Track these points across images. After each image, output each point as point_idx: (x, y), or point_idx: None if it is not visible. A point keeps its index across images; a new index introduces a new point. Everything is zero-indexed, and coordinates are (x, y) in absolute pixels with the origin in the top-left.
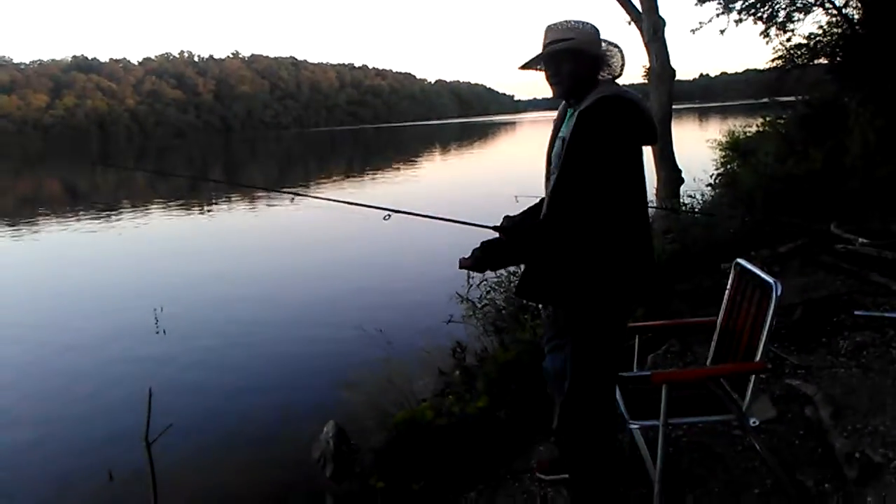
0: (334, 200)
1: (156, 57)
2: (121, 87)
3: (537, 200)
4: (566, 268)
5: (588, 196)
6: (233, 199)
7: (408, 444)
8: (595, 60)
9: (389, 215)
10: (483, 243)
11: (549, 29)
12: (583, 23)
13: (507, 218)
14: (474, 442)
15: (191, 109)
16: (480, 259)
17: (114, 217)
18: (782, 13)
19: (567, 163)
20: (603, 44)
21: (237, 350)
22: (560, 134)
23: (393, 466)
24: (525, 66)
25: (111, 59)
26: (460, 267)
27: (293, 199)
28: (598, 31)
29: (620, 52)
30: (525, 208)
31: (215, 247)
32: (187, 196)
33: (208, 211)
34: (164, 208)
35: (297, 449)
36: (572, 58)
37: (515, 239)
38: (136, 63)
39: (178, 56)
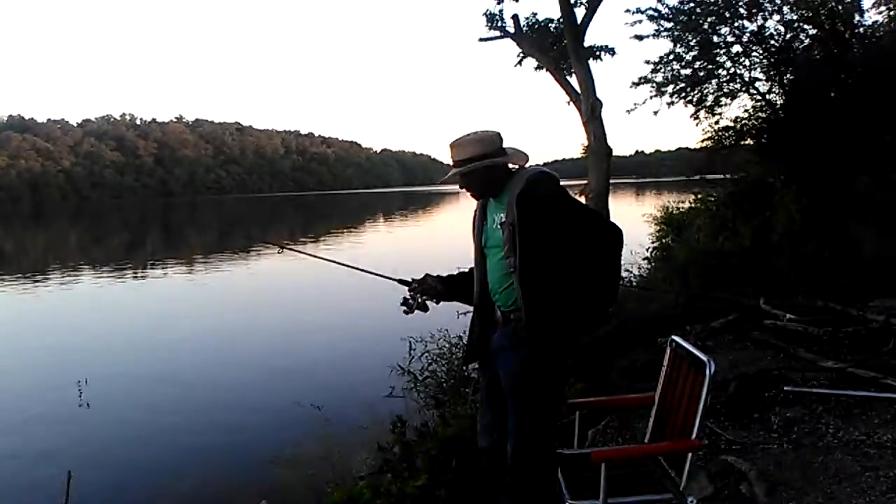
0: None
1: (96, 119)
2: (57, 147)
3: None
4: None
5: (557, 265)
6: (168, 264)
7: None
8: (503, 166)
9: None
10: None
11: (453, 147)
12: (483, 133)
13: (429, 276)
14: None
15: (130, 172)
16: None
17: (39, 282)
18: (710, 97)
19: (527, 243)
20: (505, 147)
21: (165, 425)
22: (494, 222)
23: None
24: (443, 182)
25: (49, 119)
26: None
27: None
28: (498, 135)
29: (521, 153)
30: (454, 272)
31: (143, 315)
32: (119, 259)
33: (137, 277)
34: (93, 273)
35: None
36: (483, 173)
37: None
38: (76, 124)
39: (119, 118)
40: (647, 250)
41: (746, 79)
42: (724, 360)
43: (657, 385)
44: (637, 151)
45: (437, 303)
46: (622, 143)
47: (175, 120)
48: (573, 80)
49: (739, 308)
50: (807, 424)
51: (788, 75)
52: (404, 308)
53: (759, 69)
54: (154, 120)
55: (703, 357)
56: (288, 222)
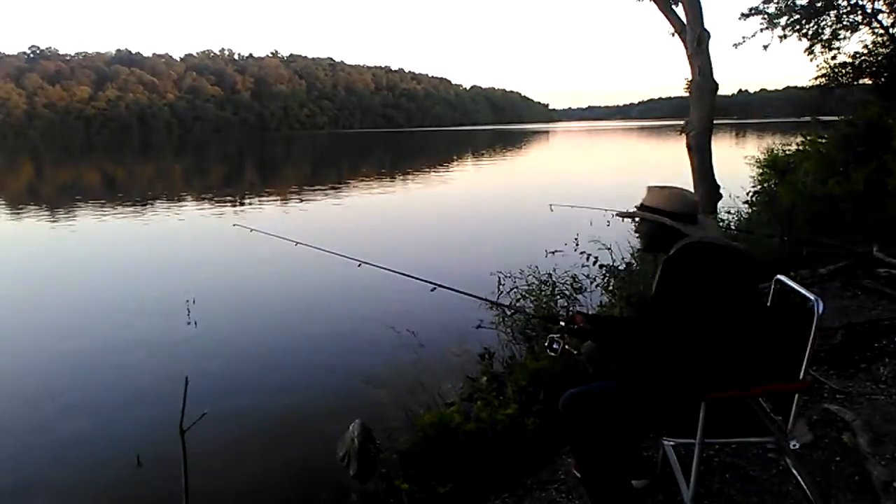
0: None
1: (197, 54)
2: (162, 81)
3: None
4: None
5: (669, 323)
6: (264, 196)
7: (434, 447)
8: (671, 228)
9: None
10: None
11: (649, 190)
12: (674, 191)
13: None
14: (501, 449)
15: (229, 106)
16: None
17: (149, 209)
18: (828, 31)
19: (655, 301)
20: (697, 217)
21: (268, 344)
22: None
23: (419, 468)
24: (621, 215)
25: (154, 53)
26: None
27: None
28: (692, 203)
29: (702, 229)
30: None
31: (249, 241)
32: (222, 195)
33: (233, 210)
34: (200, 206)
35: (322, 445)
36: (651, 225)
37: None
38: (178, 59)
39: (218, 53)
40: (748, 194)
41: (868, 10)
42: (831, 308)
43: None
44: (740, 90)
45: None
46: (724, 81)
47: (270, 55)
48: (679, 10)
49: (850, 255)
50: None
51: None
52: (551, 353)
53: (882, 0)
54: (251, 55)
55: (811, 296)
56: (376, 160)
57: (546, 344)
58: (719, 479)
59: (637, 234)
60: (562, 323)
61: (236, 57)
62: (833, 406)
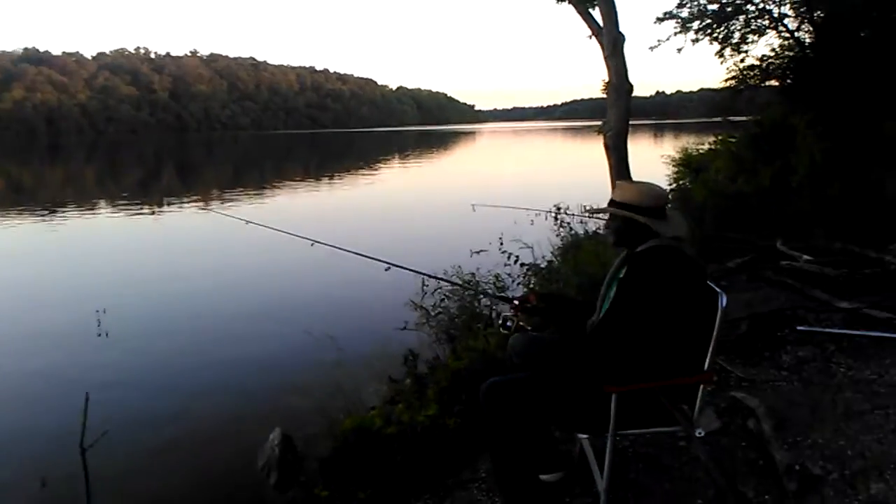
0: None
1: (110, 52)
2: (72, 81)
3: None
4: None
5: (629, 329)
6: (184, 202)
7: (355, 453)
8: (643, 225)
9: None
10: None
11: (618, 186)
12: (644, 186)
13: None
14: (422, 451)
15: (145, 106)
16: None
17: (58, 215)
18: (737, 34)
19: (618, 300)
20: (667, 211)
21: (180, 353)
22: (619, 274)
23: (339, 475)
24: (591, 212)
25: (64, 52)
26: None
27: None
28: (661, 196)
29: (673, 226)
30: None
31: (162, 247)
32: (137, 197)
33: (150, 213)
34: (113, 208)
35: (241, 456)
36: (621, 221)
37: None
38: (90, 57)
39: (133, 52)
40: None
41: (775, 15)
42: (738, 299)
43: None
44: (658, 92)
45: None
46: (643, 83)
47: (189, 54)
48: (596, 13)
49: (756, 249)
50: (818, 363)
51: (819, 12)
52: (504, 330)
53: (788, 5)
54: (168, 54)
55: (716, 289)
56: (302, 161)
57: (500, 322)
58: (633, 469)
59: (607, 230)
60: (516, 301)
61: (153, 56)
62: (739, 393)
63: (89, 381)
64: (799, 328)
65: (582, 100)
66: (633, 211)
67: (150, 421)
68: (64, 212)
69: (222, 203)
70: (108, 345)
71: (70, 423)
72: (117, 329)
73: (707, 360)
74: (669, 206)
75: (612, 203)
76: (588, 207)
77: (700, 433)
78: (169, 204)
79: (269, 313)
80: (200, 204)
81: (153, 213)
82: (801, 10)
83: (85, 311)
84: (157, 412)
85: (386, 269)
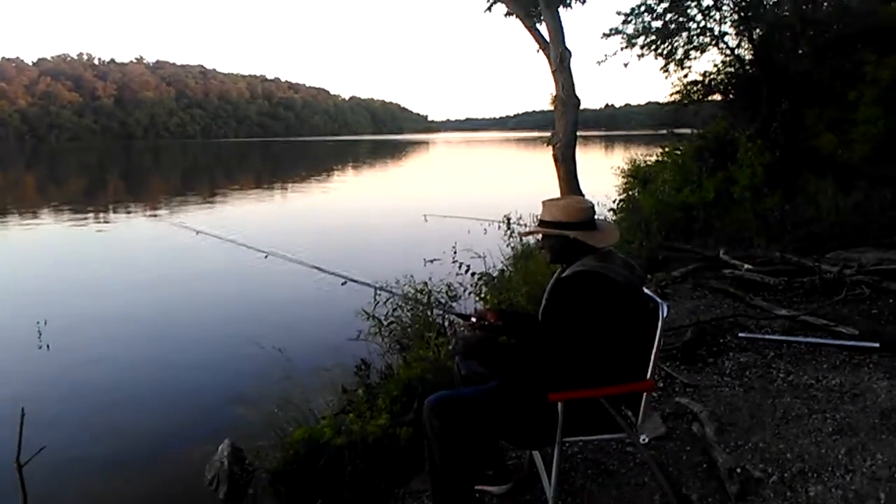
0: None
1: (52, 58)
2: (12, 86)
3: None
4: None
5: (556, 344)
6: (130, 210)
7: (305, 464)
8: (574, 240)
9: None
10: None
11: (545, 205)
12: (569, 201)
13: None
14: (372, 461)
15: (88, 113)
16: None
17: None
18: (680, 51)
19: (545, 317)
20: (596, 221)
21: (124, 365)
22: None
23: (289, 486)
24: (523, 234)
25: (3, 57)
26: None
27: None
28: (588, 209)
29: (603, 235)
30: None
31: (102, 259)
32: (79, 206)
33: (96, 222)
34: (53, 217)
35: (188, 469)
36: (555, 239)
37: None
38: (30, 63)
39: (76, 58)
40: (614, 202)
41: (716, 33)
42: (683, 307)
43: None
44: (607, 105)
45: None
46: (593, 96)
47: (135, 61)
48: (543, 29)
49: (700, 258)
50: (759, 369)
51: (758, 31)
52: (456, 348)
53: (729, 23)
54: (113, 60)
55: (657, 299)
56: (252, 170)
57: (450, 346)
58: (581, 476)
59: (541, 250)
60: (473, 319)
61: (96, 62)
62: (683, 399)
63: (27, 395)
64: (741, 335)
65: (534, 111)
66: (563, 228)
67: (93, 435)
68: (3, 221)
69: (171, 213)
70: (49, 357)
71: (5, 437)
72: (59, 341)
73: (650, 368)
74: (596, 215)
75: (541, 223)
76: (522, 231)
77: (644, 439)
78: (115, 212)
79: (218, 324)
80: (149, 213)
81: (99, 222)
82: (741, 27)
83: (25, 324)
84: (100, 426)
85: (342, 284)
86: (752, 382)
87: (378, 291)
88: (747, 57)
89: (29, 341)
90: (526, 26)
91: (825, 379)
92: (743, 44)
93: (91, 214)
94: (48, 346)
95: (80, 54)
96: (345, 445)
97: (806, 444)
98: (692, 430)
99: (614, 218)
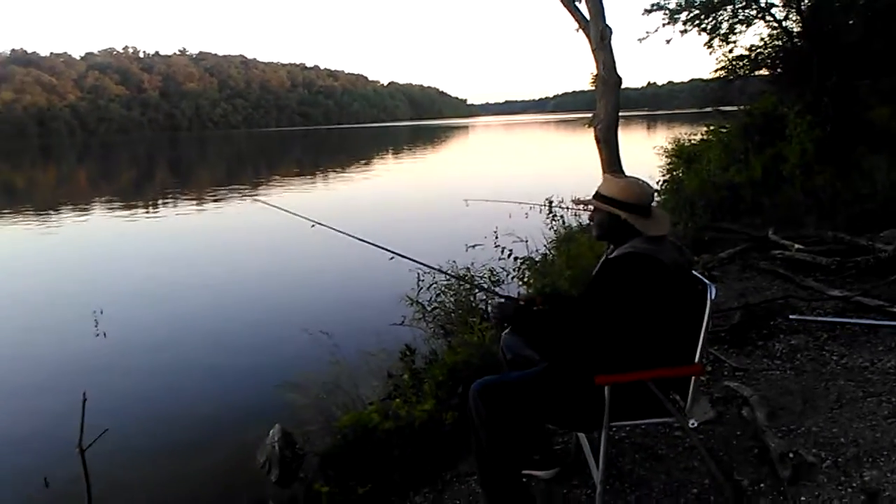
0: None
1: (98, 52)
2: (61, 81)
3: None
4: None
5: (595, 320)
6: (179, 202)
7: (353, 448)
8: (624, 221)
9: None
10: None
11: (605, 179)
12: (631, 181)
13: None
14: (420, 445)
15: (135, 106)
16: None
17: (52, 217)
18: (725, 25)
19: (587, 293)
20: (652, 209)
21: (179, 353)
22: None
23: (338, 470)
24: (577, 202)
25: (52, 53)
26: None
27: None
28: (646, 194)
29: (656, 224)
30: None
31: (158, 250)
32: (131, 197)
33: (151, 214)
34: (107, 209)
35: (241, 453)
36: (605, 215)
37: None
38: (78, 58)
39: (121, 52)
40: (657, 183)
41: (763, 4)
42: (731, 289)
43: None
44: (649, 83)
45: None
46: (634, 74)
47: (178, 53)
48: (582, 6)
49: (748, 239)
50: (810, 352)
51: (806, 1)
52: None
53: None
54: (157, 53)
55: (705, 281)
56: (294, 160)
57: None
58: (630, 460)
59: (591, 222)
60: (521, 303)
61: (141, 55)
62: (733, 383)
63: (87, 382)
64: (791, 317)
65: (574, 92)
66: (617, 206)
67: (150, 420)
68: (58, 214)
69: (236, 192)
70: (106, 345)
71: (70, 422)
72: (115, 329)
73: (698, 352)
74: (654, 203)
75: (597, 196)
76: (576, 199)
77: (693, 424)
78: (164, 200)
79: (266, 305)
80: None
81: (147, 210)
82: None
83: (83, 312)
84: (155, 411)
85: (390, 259)
86: (804, 366)
87: (421, 277)
88: (795, 29)
89: (87, 329)
90: (564, 4)
91: (880, 361)
92: (791, 15)
93: (140, 207)
94: (105, 334)
95: (126, 47)
96: (392, 430)
97: (860, 428)
98: (742, 415)
99: (659, 199)
